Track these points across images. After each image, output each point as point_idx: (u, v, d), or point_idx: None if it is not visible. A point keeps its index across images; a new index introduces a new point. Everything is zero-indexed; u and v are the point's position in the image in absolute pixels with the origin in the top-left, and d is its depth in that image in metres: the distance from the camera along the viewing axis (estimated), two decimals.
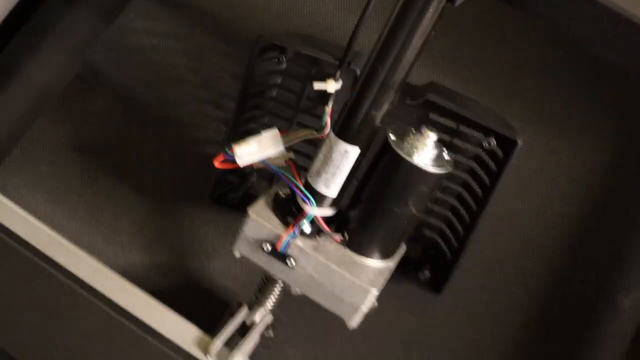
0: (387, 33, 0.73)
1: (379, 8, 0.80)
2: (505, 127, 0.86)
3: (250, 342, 0.85)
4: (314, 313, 0.94)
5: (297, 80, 0.91)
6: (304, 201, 0.77)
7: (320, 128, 0.82)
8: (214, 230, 0.99)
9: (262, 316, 0.87)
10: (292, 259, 0.78)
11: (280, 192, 0.81)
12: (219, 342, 0.82)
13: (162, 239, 0.98)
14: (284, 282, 0.83)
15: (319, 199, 0.77)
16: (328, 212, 0.78)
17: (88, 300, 0.83)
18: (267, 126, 0.83)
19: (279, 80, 0.92)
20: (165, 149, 1.04)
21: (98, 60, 1.09)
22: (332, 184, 0.77)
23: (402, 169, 0.74)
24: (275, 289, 0.85)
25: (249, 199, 0.83)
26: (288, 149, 0.82)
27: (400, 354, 0.94)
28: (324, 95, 0.86)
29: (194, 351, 0.83)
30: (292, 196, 0.79)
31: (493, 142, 0.86)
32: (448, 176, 0.80)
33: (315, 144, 0.86)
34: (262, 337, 0.87)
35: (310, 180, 0.78)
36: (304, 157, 0.87)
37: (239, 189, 0.96)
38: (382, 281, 0.78)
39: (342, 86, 0.85)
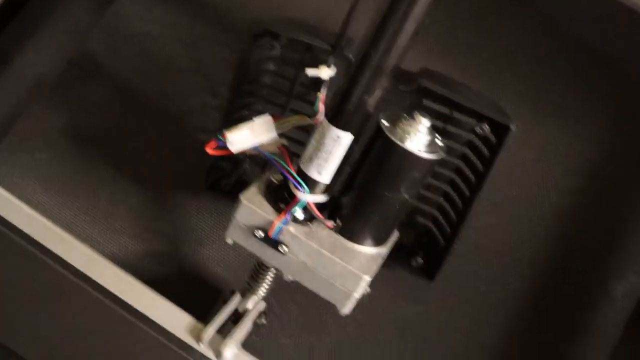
0: (380, 18, 0.72)
1: None
2: (498, 113, 0.85)
3: (243, 329, 0.84)
4: (308, 301, 0.94)
5: (290, 67, 0.91)
6: (296, 187, 0.77)
7: (313, 114, 0.82)
8: (207, 218, 0.99)
9: (254, 303, 0.86)
10: (284, 246, 0.77)
11: (273, 179, 0.81)
12: (211, 330, 0.82)
13: (155, 226, 0.98)
14: (276, 269, 0.83)
15: (312, 185, 0.77)
16: (320, 198, 0.78)
17: (81, 288, 0.83)
18: (261, 113, 0.82)
19: (272, 66, 0.92)
20: (160, 137, 1.04)
21: (94, 48, 1.09)
22: (324, 170, 0.76)
23: (395, 154, 0.73)
24: (268, 276, 0.85)
25: (242, 185, 0.83)
26: (281, 135, 0.81)
27: (394, 341, 0.94)
28: (317, 82, 0.85)
29: (187, 338, 0.83)
30: (285, 182, 0.79)
31: (486, 128, 0.86)
32: (441, 162, 0.79)
33: (308, 131, 0.86)
34: (255, 324, 0.87)
35: (302, 166, 0.77)
36: (297, 143, 0.86)
37: (232, 176, 0.96)
38: (374, 267, 0.78)
39: (336, 73, 0.85)
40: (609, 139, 1.06)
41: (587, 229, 1.01)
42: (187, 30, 1.10)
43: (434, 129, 0.76)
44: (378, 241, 0.79)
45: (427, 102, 0.87)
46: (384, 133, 0.74)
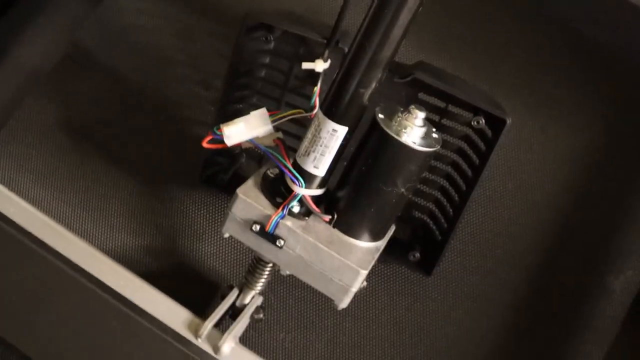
0: (374, 10, 0.72)
1: None
2: (494, 106, 0.85)
3: (241, 324, 0.84)
4: (305, 296, 0.94)
5: (285, 60, 0.91)
6: (293, 181, 0.77)
7: (309, 108, 0.82)
8: (203, 213, 0.99)
9: (252, 298, 0.86)
10: (281, 239, 0.77)
11: (269, 172, 0.80)
12: (209, 325, 0.82)
13: (152, 221, 0.98)
14: (273, 263, 0.83)
15: (308, 178, 0.77)
16: (317, 192, 0.78)
17: (79, 282, 0.83)
18: (255, 106, 0.82)
19: (267, 59, 0.91)
20: (154, 130, 1.03)
21: (88, 41, 1.08)
22: (320, 164, 0.76)
23: (391, 147, 0.73)
24: (265, 270, 0.85)
25: (238, 180, 0.83)
26: (276, 128, 0.81)
27: (391, 336, 0.94)
28: (312, 75, 0.86)
29: (185, 333, 0.83)
30: (281, 176, 0.79)
31: (482, 121, 0.85)
32: (436, 155, 0.79)
33: (303, 125, 0.85)
34: (253, 319, 0.87)
35: (298, 160, 0.77)
36: (293, 138, 0.86)
37: (228, 170, 0.96)
38: (371, 261, 0.78)
39: (331, 65, 0.84)
40: (604, 131, 1.06)
41: (583, 220, 1.01)
42: (181, 23, 1.09)
43: (429, 122, 0.76)
44: (375, 235, 0.79)
45: (422, 96, 0.87)
46: (379, 126, 0.74)
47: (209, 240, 0.97)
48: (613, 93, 1.08)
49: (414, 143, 0.73)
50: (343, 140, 0.75)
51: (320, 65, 0.84)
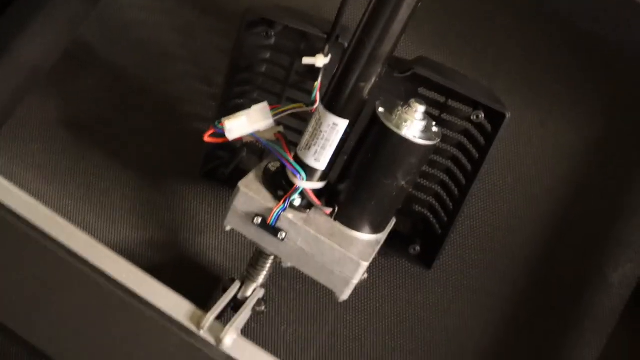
0: (373, 5, 0.73)
1: None
2: (493, 100, 0.86)
3: (242, 316, 0.85)
4: (306, 288, 0.95)
5: (286, 55, 0.91)
6: (294, 174, 0.77)
7: (310, 102, 0.82)
8: (205, 206, 0.99)
9: (253, 291, 0.87)
10: (282, 232, 0.78)
11: (270, 166, 0.81)
12: (211, 317, 0.83)
13: (154, 215, 0.98)
14: (274, 256, 0.83)
15: (309, 172, 0.78)
16: (318, 185, 0.78)
17: (83, 274, 0.83)
18: (256, 101, 0.83)
19: (267, 55, 0.92)
20: (155, 127, 1.04)
21: (89, 38, 1.09)
22: (321, 157, 0.77)
23: (391, 141, 0.74)
24: (267, 263, 0.85)
25: (239, 174, 0.83)
26: (277, 123, 0.82)
27: (391, 328, 0.95)
28: (313, 70, 0.86)
29: (187, 325, 0.83)
30: (282, 170, 0.79)
31: (481, 115, 0.86)
32: (436, 149, 0.80)
33: (304, 119, 0.86)
34: (254, 312, 0.88)
35: (299, 153, 0.78)
36: (294, 132, 0.87)
37: (229, 164, 0.96)
38: (371, 253, 0.78)
39: (331, 61, 0.85)
40: (602, 125, 1.06)
41: (583, 216, 1.02)
42: (182, 19, 1.10)
43: (429, 117, 0.77)
44: (375, 228, 0.80)
45: (422, 90, 0.88)
46: (380, 120, 0.74)
47: (211, 233, 0.98)
48: (612, 89, 1.08)
49: (414, 136, 0.74)
50: (343, 134, 0.76)
51: (320, 60, 0.85)
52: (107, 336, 0.83)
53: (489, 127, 0.86)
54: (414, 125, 0.74)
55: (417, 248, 0.95)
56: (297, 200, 0.78)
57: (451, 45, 1.08)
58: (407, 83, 0.87)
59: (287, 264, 0.81)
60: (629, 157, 1.05)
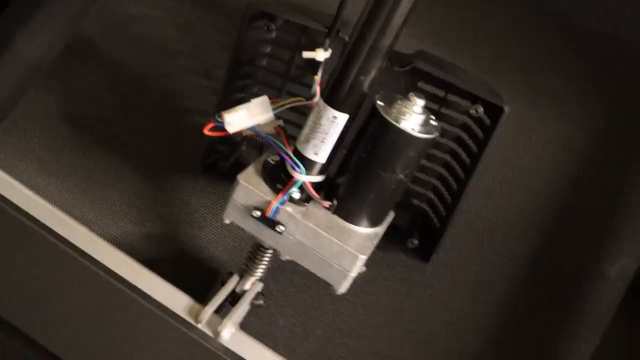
0: None
1: None
2: (492, 94, 0.86)
3: (241, 310, 0.85)
4: (305, 282, 0.95)
5: (286, 49, 0.92)
6: (293, 168, 0.77)
7: (310, 96, 0.83)
8: (204, 200, 0.99)
9: (252, 284, 0.87)
10: (281, 225, 0.78)
11: (270, 159, 0.81)
12: (209, 310, 0.83)
13: (154, 209, 0.99)
14: (273, 249, 0.83)
15: (308, 165, 0.78)
16: (317, 178, 0.79)
17: (83, 268, 0.84)
18: (257, 95, 0.83)
19: (268, 49, 0.92)
20: (156, 120, 1.04)
21: (90, 33, 1.09)
22: (320, 151, 0.77)
23: (390, 134, 0.74)
24: (265, 257, 0.85)
25: (239, 167, 0.84)
26: (277, 116, 0.82)
27: (389, 322, 0.95)
28: (313, 64, 0.86)
29: (186, 319, 0.83)
30: (282, 163, 0.79)
31: (480, 109, 0.86)
32: (435, 143, 0.80)
33: (304, 113, 0.86)
34: (253, 305, 0.88)
35: (299, 147, 0.78)
36: (294, 126, 0.87)
37: (229, 158, 0.97)
38: (370, 246, 0.78)
39: (332, 55, 0.85)
40: (601, 119, 1.07)
41: (580, 208, 1.02)
42: (182, 13, 1.10)
43: (428, 110, 0.77)
44: (374, 221, 0.80)
45: (422, 84, 0.88)
46: (379, 113, 0.74)
47: (210, 227, 0.98)
48: (611, 84, 1.09)
49: (413, 130, 0.74)
50: (343, 128, 0.76)
51: (321, 55, 0.85)
52: (105, 329, 0.83)
53: (487, 121, 0.86)
54: (412, 118, 0.74)
55: (415, 241, 0.95)
56: (296, 194, 0.78)
57: (452, 41, 1.09)
58: (407, 77, 0.87)
59: (286, 257, 0.81)
60: (627, 154, 1.05)
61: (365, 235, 0.79)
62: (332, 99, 0.75)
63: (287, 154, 0.78)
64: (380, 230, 0.81)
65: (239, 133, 0.81)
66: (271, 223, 0.78)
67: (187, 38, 1.09)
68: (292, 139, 0.80)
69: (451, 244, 0.97)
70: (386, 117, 0.74)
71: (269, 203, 0.78)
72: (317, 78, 0.84)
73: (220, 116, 0.79)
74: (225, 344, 0.82)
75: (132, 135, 1.03)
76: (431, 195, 0.93)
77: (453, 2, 1.11)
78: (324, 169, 0.79)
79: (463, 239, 0.99)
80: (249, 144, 0.97)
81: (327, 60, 0.85)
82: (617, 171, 1.04)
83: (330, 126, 0.76)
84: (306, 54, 0.85)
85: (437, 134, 0.76)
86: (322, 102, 0.76)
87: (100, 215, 0.98)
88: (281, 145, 0.79)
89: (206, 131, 0.80)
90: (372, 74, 0.75)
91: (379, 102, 0.75)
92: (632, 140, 1.06)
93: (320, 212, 0.79)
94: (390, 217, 0.83)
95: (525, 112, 1.05)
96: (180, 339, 0.82)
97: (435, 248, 0.94)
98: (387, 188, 0.77)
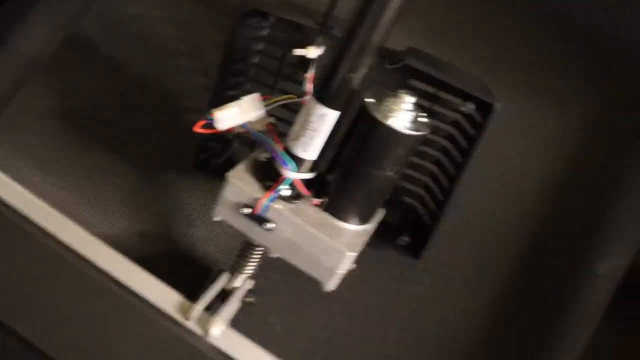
0: None
1: None
2: (484, 91, 0.86)
3: (231, 307, 0.85)
4: (296, 280, 0.94)
5: (279, 47, 0.91)
6: (283, 165, 0.77)
7: (302, 94, 0.82)
8: (197, 197, 0.99)
9: (242, 282, 0.87)
10: (271, 222, 0.78)
11: (260, 157, 0.81)
12: (199, 307, 0.83)
13: (146, 206, 0.99)
14: (263, 246, 0.83)
15: (298, 162, 0.77)
16: (307, 175, 0.78)
17: (75, 265, 0.84)
18: (249, 93, 0.83)
19: (261, 46, 0.92)
20: (151, 118, 1.04)
21: (87, 30, 1.09)
22: (310, 148, 0.77)
23: (378, 131, 0.74)
24: (256, 254, 0.85)
25: (231, 165, 0.83)
26: (269, 113, 0.82)
27: (380, 320, 0.95)
28: (306, 62, 0.86)
29: (176, 316, 0.83)
30: (272, 160, 0.79)
31: (471, 106, 0.86)
32: (426, 140, 0.80)
33: (296, 111, 0.86)
34: (244, 303, 0.88)
35: (289, 144, 0.78)
36: (286, 124, 0.87)
37: (221, 155, 0.97)
38: (360, 244, 0.78)
39: (324, 52, 0.85)
40: (592, 119, 1.06)
41: (570, 206, 1.02)
42: (182, 12, 1.10)
43: (419, 108, 0.76)
44: (363, 218, 0.80)
45: (413, 82, 0.87)
46: (368, 110, 0.74)
47: (203, 225, 0.98)
48: (610, 84, 1.08)
49: (402, 127, 0.74)
50: (333, 125, 0.76)
51: (312, 52, 0.85)
52: (95, 326, 0.83)
53: (478, 118, 0.86)
54: (401, 115, 0.74)
55: (406, 239, 0.95)
56: (286, 191, 0.78)
57: (451, 41, 1.09)
58: (398, 74, 0.87)
59: (275, 254, 0.81)
60: (622, 153, 1.05)
61: (355, 232, 0.79)
62: (322, 96, 0.75)
63: (276, 151, 0.78)
64: (370, 227, 0.81)
65: (231, 130, 0.81)
66: (260, 220, 0.78)
67: (187, 37, 1.09)
68: (283, 136, 0.80)
69: (442, 242, 0.96)
70: (375, 114, 0.74)
71: (258, 200, 0.78)
72: (308, 75, 0.83)
73: (211, 113, 0.79)
74: (215, 342, 0.82)
75: (130, 134, 1.03)
76: (422, 192, 0.93)
77: (453, 1, 1.11)
78: (314, 167, 0.78)
79: (454, 236, 0.98)
80: (241, 141, 0.97)
81: (319, 57, 0.85)
82: (611, 171, 1.04)
83: (320, 123, 0.76)
84: (297, 52, 0.85)
85: (427, 131, 0.76)
86: (312, 100, 0.76)
87: (95, 214, 0.98)
88: (271, 142, 0.79)
89: (196, 128, 0.80)
90: (363, 71, 0.74)
91: (369, 100, 0.75)
92: (629, 140, 1.05)
93: (310, 209, 0.79)
94: (381, 214, 0.83)
95: (522, 111, 1.05)
96: (169, 336, 0.82)
97: (426, 245, 0.94)
98: (376, 185, 0.77)
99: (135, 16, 1.10)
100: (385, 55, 0.86)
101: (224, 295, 0.87)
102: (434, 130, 0.85)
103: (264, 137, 0.79)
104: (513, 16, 1.11)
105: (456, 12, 1.10)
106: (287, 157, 0.77)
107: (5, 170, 0.89)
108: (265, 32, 0.91)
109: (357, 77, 0.74)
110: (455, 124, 0.88)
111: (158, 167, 1.01)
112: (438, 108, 0.88)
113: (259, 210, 0.78)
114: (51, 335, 0.83)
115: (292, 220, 0.77)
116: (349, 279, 0.80)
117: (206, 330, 0.82)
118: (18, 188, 0.88)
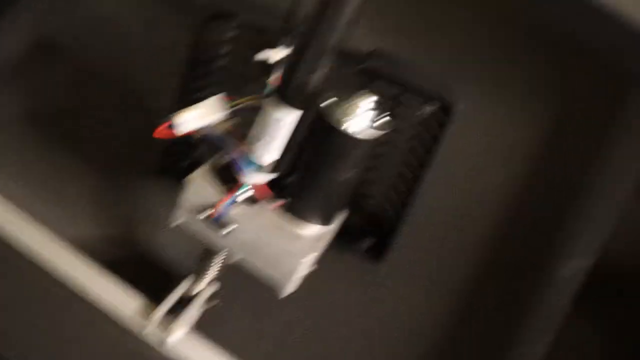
0: None
1: None
2: (447, 92, 0.85)
3: (193, 312, 0.85)
4: (259, 284, 0.93)
5: (245, 49, 0.91)
6: (242, 168, 0.77)
7: (266, 96, 0.82)
8: (162, 201, 0.98)
9: (205, 286, 0.87)
10: (229, 226, 0.77)
11: (221, 159, 0.81)
12: (160, 311, 0.83)
13: (112, 210, 0.98)
14: (223, 250, 0.83)
15: (258, 164, 0.77)
16: (266, 178, 0.78)
17: (35, 267, 0.84)
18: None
19: (226, 49, 0.92)
20: (117, 120, 1.04)
21: (54, 31, 1.09)
22: (270, 150, 0.76)
23: (333, 135, 0.73)
24: (217, 258, 0.85)
25: (197, 168, 0.83)
26: (233, 115, 0.81)
27: (344, 324, 0.95)
28: (271, 64, 0.85)
29: (137, 320, 0.83)
30: (232, 163, 0.79)
31: (433, 107, 0.86)
32: (387, 141, 0.79)
33: None
34: (206, 307, 0.87)
35: (248, 146, 0.77)
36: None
37: (186, 159, 0.96)
38: (320, 246, 0.78)
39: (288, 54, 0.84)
40: (553, 119, 1.06)
41: (533, 207, 1.01)
42: (147, 13, 1.09)
43: (379, 109, 0.76)
44: (324, 220, 0.79)
45: (375, 83, 0.87)
46: (323, 114, 0.74)
47: (172, 229, 0.97)
48: (568, 83, 1.07)
49: (357, 130, 0.73)
50: (291, 127, 0.75)
51: (274, 55, 0.84)
52: (54, 329, 0.83)
53: (441, 118, 0.86)
54: (357, 118, 0.74)
55: (369, 241, 0.95)
56: (244, 194, 0.78)
57: (416, 38, 1.08)
58: (361, 76, 0.86)
59: (235, 257, 0.81)
60: (581, 151, 1.04)
61: (314, 235, 0.78)
62: (281, 98, 0.75)
63: (235, 154, 0.77)
64: (331, 229, 0.80)
65: (194, 133, 0.81)
66: (219, 224, 0.78)
67: (155, 38, 1.08)
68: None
69: (405, 243, 0.96)
70: (329, 118, 0.73)
71: (217, 203, 0.77)
72: (271, 77, 0.83)
73: (170, 118, 0.79)
74: (175, 346, 0.82)
75: (95, 137, 1.03)
76: (384, 194, 0.93)
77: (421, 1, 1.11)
78: (274, 168, 0.78)
79: (417, 237, 0.97)
80: (207, 144, 0.96)
81: (283, 59, 0.84)
82: (575, 170, 1.03)
83: (279, 125, 0.75)
84: (260, 55, 0.85)
85: (383, 132, 0.75)
86: (269, 101, 0.75)
87: (59, 217, 0.97)
88: (231, 144, 0.78)
89: (157, 133, 0.80)
90: (321, 72, 0.74)
91: (327, 101, 0.75)
92: (593, 139, 1.05)
93: (270, 211, 0.78)
94: (343, 215, 0.83)
95: (487, 110, 1.04)
96: (130, 340, 0.82)
97: (389, 247, 0.94)
98: (335, 187, 0.77)
99: (103, 16, 1.10)
100: (348, 56, 0.85)
101: (187, 300, 0.86)
102: (396, 130, 0.85)
103: (224, 140, 0.79)
104: (474, 15, 1.10)
105: (424, 11, 1.10)
106: (246, 160, 0.77)
107: None
108: (230, 35, 0.90)
109: (316, 77, 0.74)
110: (418, 125, 0.88)
111: (124, 170, 1.01)
112: (401, 109, 0.88)
113: (217, 213, 0.77)
114: (6, 335, 0.83)
115: (250, 223, 0.77)
116: (312, 282, 0.79)
117: (167, 334, 0.82)
118: None
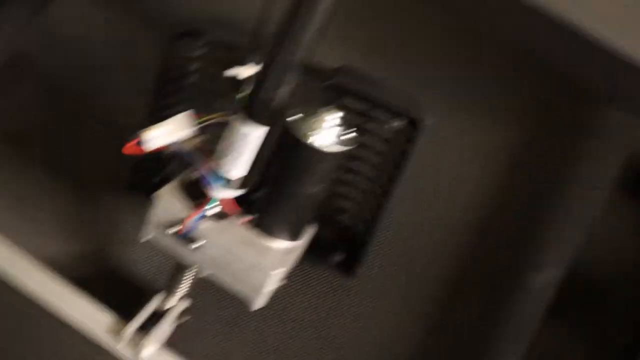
0: (286, 12, 0.73)
1: None
2: (414, 107, 0.86)
3: (164, 327, 0.85)
4: (231, 298, 0.94)
5: (214, 66, 0.91)
6: (209, 183, 0.77)
7: (234, 112, 0.82)
8: (132, 218, 0.98)
9: (176, 302, 0.87)
10: (197, 241, 0.78)
11: (190, 175, 0.81)
12: (130, 329, 0.83)
13: (83, 227, 0.98)
14: (192, 265, 0.83)
15: (226, 180, 0.77)
16: (234, 193, 0.78)
17: (4, 285, 0.84)
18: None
19: (195, 66, 0.92)
20: (87, 137, 1.04)
21: (26, 49, 1.08)
22: (238, 165, 0.77)
23: (300, 150, 0.74)
24: (188, 274, 0.85)
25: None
26: (202, 132, 0.81)
27: (316, 338, 0.95)
28: (242, 81, 0.86)
29: (108, 337, 0.83)
30: (201, 178, 0.79)
31: (401, 122, 0.86)
32: (357, 156, 0.80)
33: None
34: (178, 323, 0.87)
35: (216, 162, 0.78)
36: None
37: (156, 175, 0.96)
38: (288, 260, 0.79)
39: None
40: (523, 131, 1.06)
41: (503, 219, 1.02)
42: (119, 32, 1.10)
43: (345, 124, 0.77)
44: (293, 235, 0.80)
45: (344, 99, 0.88)
46: (290, 129, 0.75)
47: (139, 245, 0.96)
48: (538, 97, 1.09)
49: (323, 144, 0.74)
50: (259, 142, 0.76)
51: (243, 72, 0.85)
52: (24, 347, 0.83)
53: (410, 133, 0.86)
54: (324, 133, 0.74)
55: (340, 256, 0.95)
56: (213, 209, 0.78)
57: (386, 54, 1.09)
58: (328, 92, 0.87)
59: (204, 273, 0.81)
60: (551, 164, 1.05)
61: (282, 249, 0.79)
62: (248, 114, 0.75)
63: (203, 170, 0.78)
64: (299, 244, 0.81)
65: (163, 149, 0.81)
66: (188, 240, 0.78)
67: (127, 55, 1.09)
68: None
69: (376, 258, 0.96)
70: (296, 132, 0.74)
71: (186, 219, 0.77)
72: (239, 94, 0.83)
73: (138, 135, 0.79)
74: None
75: (61, 152, 1.03)
76: (354, 208, 0.93)
77: (391, 17, 1.11)
78: (242, 184, 0.78)
79: (388, 252, 0.98)
80: (178, 160, 0.96)
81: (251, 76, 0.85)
82: (545, 182, 1.04)
83: (246, 141, 0.75)
84: (228, 72, 0.85)
85: (349, 147, 0.76)
86: (236, 117, 0.76)
87: (28, 234, 0.96)
88: (198, 161, 0.79)
89: (125, 150, 0.80)
90: (286, 88, 0.74)
91: (292, 117, 0.75)
92: (563, 151, 1.06)
93: (238, 227, 0.78)
94: (312, 230, 0.83)
95: (456, 125, 1.05)
96: (102, 358, 0.81)
97: (360, 262, 0.94)
98: (301, 202, 0.77)
99: (76, 34, 1.10)
100: (316, 72, 0.86)
101: (159, 315, 0.86)
102: (365, 146, 0.86)
103: (193, 156, 0.79)
104: (449, 31, 1.11)
105: (392, 27, 1.11)
106: (214, 176, 0.77)
107: None
108: (199, 52, 0.91)
109: (282, 93, 0.74)
110: (387, 140, 0.89)
111: (94, 186, 1.01)
112: (369, 125, 0.88)
113: (185, 229, 0.78)
114: None
115: (219, 238, 0.78)
116: (283, 296, 0.80)
117: (138, 351, 0.82)
118: None
